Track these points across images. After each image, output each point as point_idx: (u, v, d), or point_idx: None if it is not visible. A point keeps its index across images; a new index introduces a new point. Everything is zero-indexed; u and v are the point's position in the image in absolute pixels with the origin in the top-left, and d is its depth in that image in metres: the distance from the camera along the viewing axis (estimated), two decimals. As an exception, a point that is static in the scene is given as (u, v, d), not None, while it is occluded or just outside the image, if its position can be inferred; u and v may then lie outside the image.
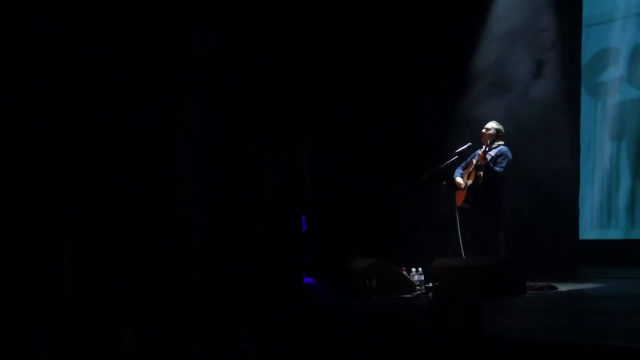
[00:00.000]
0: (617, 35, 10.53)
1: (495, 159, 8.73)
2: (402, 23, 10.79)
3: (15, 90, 8.16)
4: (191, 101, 9.32)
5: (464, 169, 9.05)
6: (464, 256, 8.70)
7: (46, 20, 8.28)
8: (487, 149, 8.72)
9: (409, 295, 8.43)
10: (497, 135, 8.90)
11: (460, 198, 8.90)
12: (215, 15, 9.38)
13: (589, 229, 10.35)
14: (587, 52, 10.74)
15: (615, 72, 10.53)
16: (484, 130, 8.92)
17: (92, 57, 8.53)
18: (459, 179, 8.96)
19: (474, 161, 8.85)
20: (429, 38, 10.85)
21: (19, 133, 8.13)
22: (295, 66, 10.17)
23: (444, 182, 8.84)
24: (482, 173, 8.70)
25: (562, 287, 8.35)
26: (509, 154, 8.80)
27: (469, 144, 8.95)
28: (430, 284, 8.14)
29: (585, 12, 10.71)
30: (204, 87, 9.40)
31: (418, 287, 8.57)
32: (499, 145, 8.87)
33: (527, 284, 7.98)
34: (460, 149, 8.90)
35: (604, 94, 10.59)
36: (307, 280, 10.01)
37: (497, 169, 8.67)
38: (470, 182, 8.80)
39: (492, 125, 8.95)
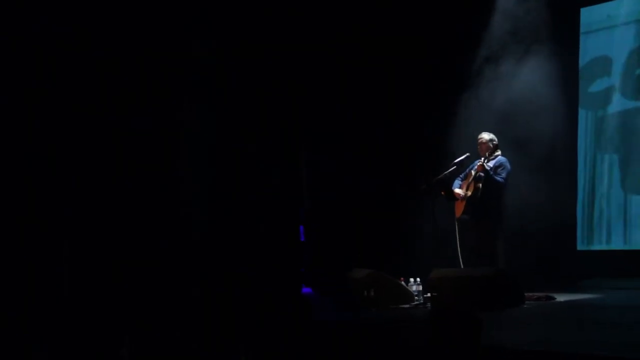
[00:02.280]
0: (610, 44, 10.46)
1: (494, 169, 8.74)
2: (402, 23, 10.77)
3: (15, 90, 8.16)
4: (191, 101, 9.31)
5: (462, 180, 9.06)
6: (462, 267, 8.70)
7: (46, 20, 8.28)
8: (485, 160, 8.73)
9: (407, 306, 8.44)
10: (493, 146, 8.91)
11: (459, 209, 8.92)
12: (215, 15, 9.38)
13: (586, 240, 10.34)
14: (584, 61, 10.71)
15: (607, 82, 10.44)
16: (479, 142, 8.93)
17: (92, 57, 8.52)
18: (457, 190, 8.97)
19: (473, 172, 8.87)
20: (429, 38, 10.84)
21: (19, 133, 8.13)
22: (294, 66, 10.16)
23: (443, 193, 8.84)
24: (481, 184, 8.72)
25: (561, 298, 8.39)
26: (508, 165, 8.82)
27: (467, 154, 8.95)
28: (429, 294, 8.14)
29: (583, 19, 10.68)
30: (204, 87, 9.40)
31: (416, 298, 8.56)
32: (496, 156, 8.88)
33: (526, 294, 8.01)
34: (459, 159, 8.90)
35: (595, 104, 10.51)
36: (305, 290, 9.99)
37: (498, 179, 8.69)
38: (469, 193, 8.81)
39: (483, 136, 8.95)
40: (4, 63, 8.11)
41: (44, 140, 8.25)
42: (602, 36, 10.56)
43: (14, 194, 8.05)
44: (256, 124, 9.74)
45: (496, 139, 8.98)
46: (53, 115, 8.30)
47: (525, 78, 10.07)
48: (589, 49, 10.65)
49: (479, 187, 8.73)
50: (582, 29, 10.67)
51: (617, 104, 10.29)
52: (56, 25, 8.29)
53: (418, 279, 8.65)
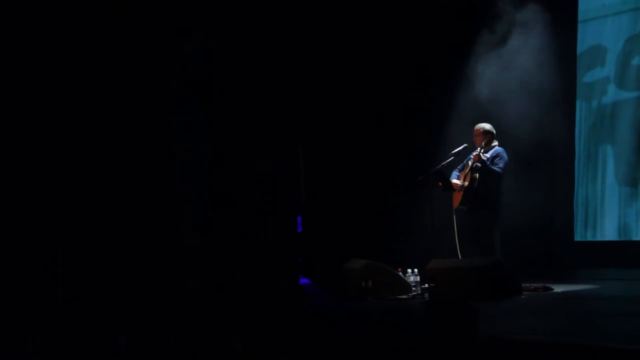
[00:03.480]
0: (606, 33, 10.33)
1: (492, 159, 8.74)
2: (397, 25, 10.76)
3: (15, 91, 8.17)
4: (188, 97, 9.32)
5: (460, 171, 9.05)
6: (460, 257, 8.70)
7: (45, 22, 8.28)
8: (481, 150, 8.73)
9: (405, 296, 8.42)
10: (490, 136, 8.90)
11: (456, 200, 8.91)
12: (211, 20, 9.37)
13: (584, 231, 10.29)
14: (581, 50, 10.60)
15: (602, 72, 10.33)
16: (476, 132, 8.93)
17: (91, 60, 8.53)
18: (455, 180, 8.96)
19: (470, 163, 8.86)
20: (423, 39, 10.81)
21: (18, 134, 8.14)
22: (291, 60, 10.15)
23: (440, 184, 8.83)
24: (477, 175, 8.71)
25: (558, 289, 8.38)
26: (505, 155, 8.82)
27: (465, 145, 8.95)
28: (426, 285, 8.13)
29: (581, 7, 10.55)
30: (200, 82, 9.41)
31: (414, 288, 8.56)
32: (493, 146, 8.88)
33: (523, 285, 8.01)
34: (456, 150, 8.91)
35: (590, 95, 10.39)
36: (303, 281, 10.00)
37: (496, 169, 8.68)
38: (466, 184, 8.81)
39: (482, 126, 8.95)
40: (4, 63, 8.12)
41: (42, 142, 8.26)
42: (597, 25, 10.44)
43: (9, 199, 8.08)
44: (252, 126, 9.74)
45: (493, 130, 8.97)
46: (50, 118, 8.32)
47: (523, 68, 10.01)
48: (586, 38, 10.55)
49: (475, 178, 8.73)
50: (580, 17, 10.54)
51: (612, 94, 10.19)
52: (55, 27, 8.30)
53: (416, 270, 8.64)
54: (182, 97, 9.20)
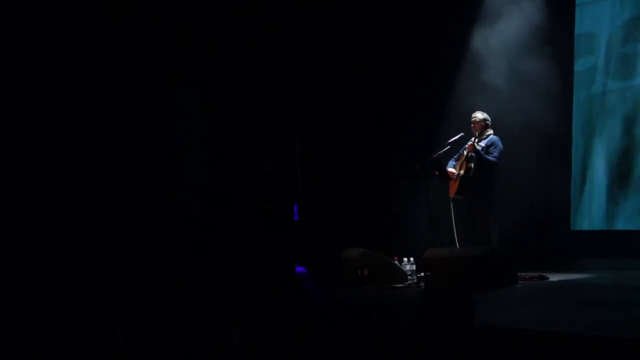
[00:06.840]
0: (596, 19, 10.14)
1: (486, 148, 8.79)
2: (392, 16, 10.79)
3: (15, 91, 8.19)
4: (185, 94, 9.34)
5: (456, 160, 9.11)
6: (457, 247, 8.77)
7: (45, 22, 8.29)
8: (476, 140, 8.80)
9: (401, 285, 8.47)
10: (486, 125, 8.96)
11: (452, 189, 8.96)
12: (208, 16, 9.39)
13: (580, 220, 10.25)
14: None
15: (591, 60, 10.15)
16: (473, 121, 8.98)
17: (91, 60, 8.55)
18: (451, 169, 9.02)
19: (465, 152, 8.92)
20: (419, 29, 10.84)
21: (18, 134, 8.17)
22: (289, 68, 10.18)
23: (436, 173, 8.89)
24: (472, 164, 8.77)
25: (554, 278, 8.39)
26: (500, 143, 8.84)
27: (461, 134, 8.99)
28: (422, 274, 8.18)
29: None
30: (197, 79, 9.43)
31: (410, 277, 8.61)
32: (488, 135, 8.93)
33: (519, 274, 8.04)
34: (453, 139, 8.94)
35: (580, 84, 10.21)
36: (299, 269, 10.03)
37: (490, 158, 8.74)
38: (462, 173, 8.87)
39: (477, 115, 9.00)
40: (4, 63, 8.14)
41: (41, 142, 8.29)
42: (591, 10, 10.24)
43: (7, 197, 8.11)
44: (249, 117, 9.76)
45: (489, 119, 9.02)
46: (51, 117, 8.35)
47: (520, 55, 10.03)
48: (584, 23, 10.32)
49: (470, 167, 8.77)
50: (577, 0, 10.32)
51: (600, 84, 10.04)
52: (52, 27, 8.32)
53: (412, 259, 8.69)
54: (182, 97, 9.21)
